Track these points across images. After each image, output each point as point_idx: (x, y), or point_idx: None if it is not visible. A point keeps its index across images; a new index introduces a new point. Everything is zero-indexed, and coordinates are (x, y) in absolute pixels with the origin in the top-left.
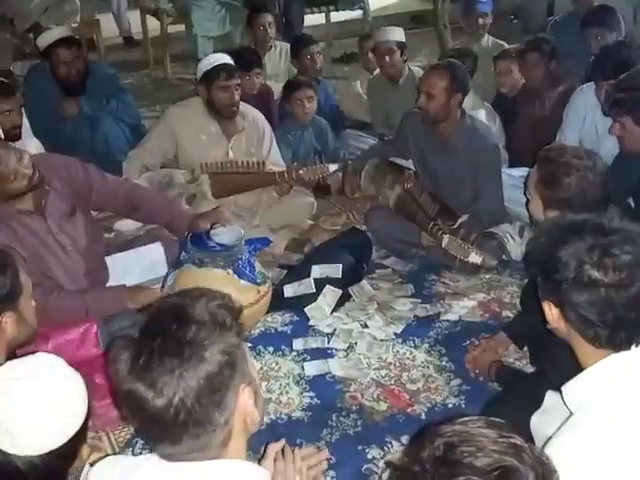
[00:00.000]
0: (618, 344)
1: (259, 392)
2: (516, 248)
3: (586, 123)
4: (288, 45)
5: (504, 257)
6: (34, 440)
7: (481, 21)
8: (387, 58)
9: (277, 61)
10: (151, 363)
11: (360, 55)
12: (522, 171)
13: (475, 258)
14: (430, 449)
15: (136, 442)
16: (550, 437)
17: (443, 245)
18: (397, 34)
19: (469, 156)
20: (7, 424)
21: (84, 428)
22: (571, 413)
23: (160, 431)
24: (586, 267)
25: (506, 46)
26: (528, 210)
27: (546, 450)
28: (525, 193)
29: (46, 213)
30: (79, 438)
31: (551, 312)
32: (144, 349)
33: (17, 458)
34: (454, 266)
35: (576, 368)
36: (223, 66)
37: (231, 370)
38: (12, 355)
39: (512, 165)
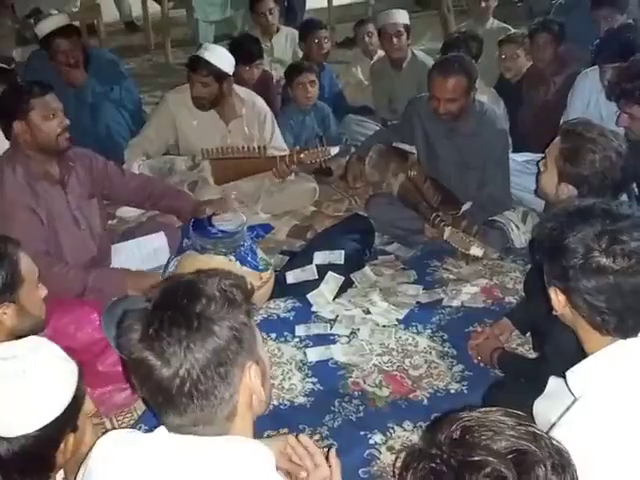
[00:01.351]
0: (625, 331)
1: (268, 374)
2: (520, 236)
3: (590, 107)
4: (294, 31)
5: (508, 245)
6: (7, 422)
7: (484, 4)
8: (395, 40)
9: (284, 45)
10: (160, 333)
11: (357, 41)
12: (526, 156)
13: (477, 251)
14: (447, 432)
15: (140, 427)
16: (554, 423)
17: (445, 237)
18: (403, 16)
19: (478, 141)
20: None
21: (70, 415)
22: (575, 398)
23: (166, 400)
24: (594, 254)
25: (511, 30)
26: (537, 182)
27: (553, 434)
28: (538, 164)
29: (67, 187)
30: (62, 424)
31: (557, 299)
32: (155, 319)
33: None
34: (456, 255)
35: (579, 353)
36: (193, 59)
37: (238, 346)
38: None
39: (516, 150)
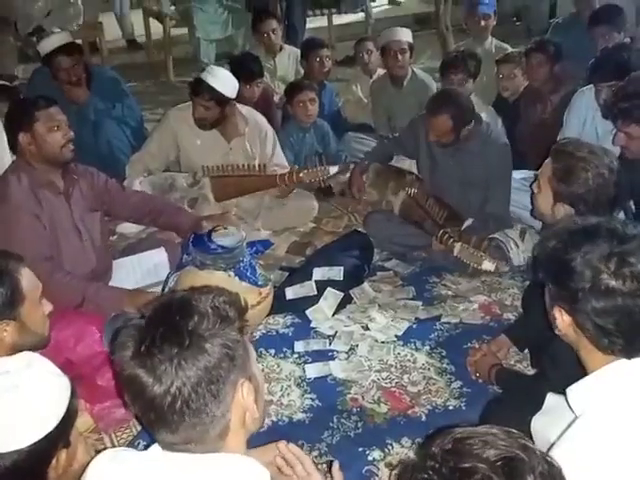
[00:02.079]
0: (631, 352)
1: (261, 391)
2: (518, 255)
3: (586, 125)
4: (297, 50)
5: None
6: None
7: (483, 23)
8: (399, 57)
9: (286, 64)
10: (152, 350)
11: (357, 59)
12: (524, 173)
13: (489, 265)
14: (440, 445)
15: (138, 443)
16: (553, 442)
17: (455, 253)
18: (407, 35)
19: (482, 160)
20: None
21: (62, 430)
22: (576, 416)
23: (157, 418)
24: (603, 276)
25: (509, 49)
26: (532, 204)
27: (552, 453)
28: (531, 186)
29: (71, 199)
30: (54, 440)
31: (562, 319)
32: (147, 336)
33: None
34: (465, 271)
35: (578, 370)
36: (196, 81)
37: (230, 363)
38: None
39: (513, 167)
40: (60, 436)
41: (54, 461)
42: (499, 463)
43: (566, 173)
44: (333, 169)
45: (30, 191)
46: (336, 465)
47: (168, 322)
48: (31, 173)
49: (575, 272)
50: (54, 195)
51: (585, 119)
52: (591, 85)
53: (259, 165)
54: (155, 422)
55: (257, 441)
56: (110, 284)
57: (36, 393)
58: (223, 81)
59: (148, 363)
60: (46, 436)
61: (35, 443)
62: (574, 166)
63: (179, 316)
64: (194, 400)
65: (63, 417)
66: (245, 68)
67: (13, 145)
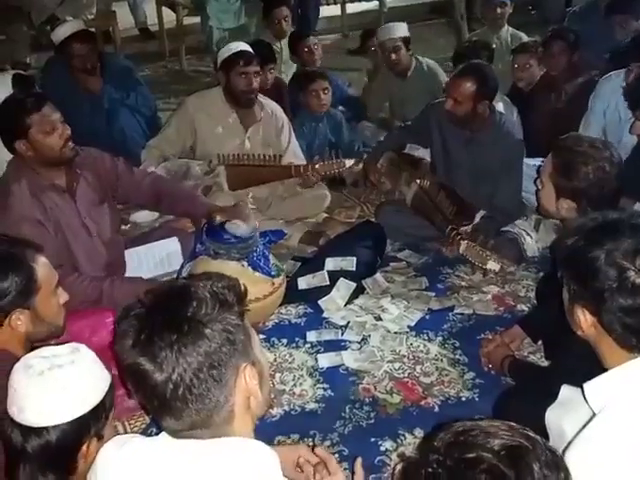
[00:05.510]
0: None
1: (266, 376)
2: (533, 246)
3: (610, 110)
4: None
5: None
6: (41, 411)
7: (499, 10)
8: (393, 55)
9: None
10: (152, 337)
11: (368, 53)
12: (538, 161)
13: (493, 265)
14: (442, 439)
15: (151, 431)
16: (571, 440)
17: (461, 251)
18: (400, 30)
19: (494, 151)
20: (19, 390)
21: (95, 417)
22: (594, 413)
23: (161, 405)
24: (629, 273)
25: (525, 38)
26: (537, 200)
27: (570, 453)
28: (535, 182)
29: (76, 196)
30: (86, 424)
31: (585, 318)
32: (147, 324)
33: (17, 429)
34: (473, 268)
35: (592, 362)
36: (242, 53)
37: (231, 347)
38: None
39: (529, 155)
40: (93, 422)
41: (84, 448)
42: (504, 452)
43: (566, 168)
44: (349, 162)
45: (33, 197)
46: (359, 461)
47: (167, 309)
48: (34, 178)
49: (600, 271)
50: (58, 195)
51: (608, 104)
52: (617, 71)
53: (274, 156)
54: (159, 409)
55: (270, 430)
56: (126, 274)
57: (76, 377)
58: (246, 46)
59: (149, 351)
60: (79, 418)
61: (68, 423)
62: (573, 160)
63: (178, 303)
64: (196, 386)
65: (98, 405)
66: (257, 53)
67: (11, 150)
